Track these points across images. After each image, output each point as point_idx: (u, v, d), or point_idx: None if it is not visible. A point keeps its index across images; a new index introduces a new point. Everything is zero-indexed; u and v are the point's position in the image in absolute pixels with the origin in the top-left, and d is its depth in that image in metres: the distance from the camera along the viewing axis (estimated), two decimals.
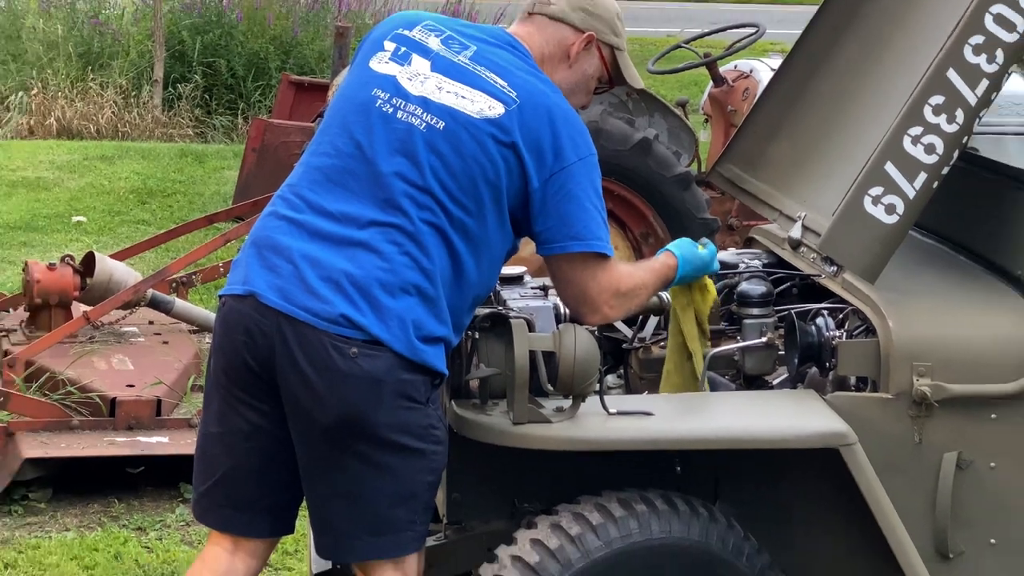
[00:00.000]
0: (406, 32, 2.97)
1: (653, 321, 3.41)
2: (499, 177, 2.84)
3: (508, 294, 3.19)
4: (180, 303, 5.64)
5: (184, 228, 6.69)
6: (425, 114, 2.84)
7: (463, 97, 2.85)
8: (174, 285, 5.93)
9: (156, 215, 8.55)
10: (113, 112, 10.90)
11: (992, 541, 3.13)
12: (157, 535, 4.51)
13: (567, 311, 3.23)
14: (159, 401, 4.92)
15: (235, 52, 11.40)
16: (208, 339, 5.74)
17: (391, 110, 2.86)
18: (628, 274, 3.01)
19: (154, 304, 5.51)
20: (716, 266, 3.22)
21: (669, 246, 3.17)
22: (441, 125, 2.83)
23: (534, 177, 2.84)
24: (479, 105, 2.84)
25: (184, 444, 4.61)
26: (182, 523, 4.56)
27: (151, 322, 5.71)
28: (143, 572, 4.24)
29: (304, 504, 2.96)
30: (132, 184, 9.22)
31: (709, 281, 3.21)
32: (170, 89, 11.22)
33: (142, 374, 5.15)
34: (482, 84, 2.87)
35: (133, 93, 11.12)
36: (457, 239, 2.83)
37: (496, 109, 2.84)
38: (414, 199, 2.80)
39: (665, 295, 3.26)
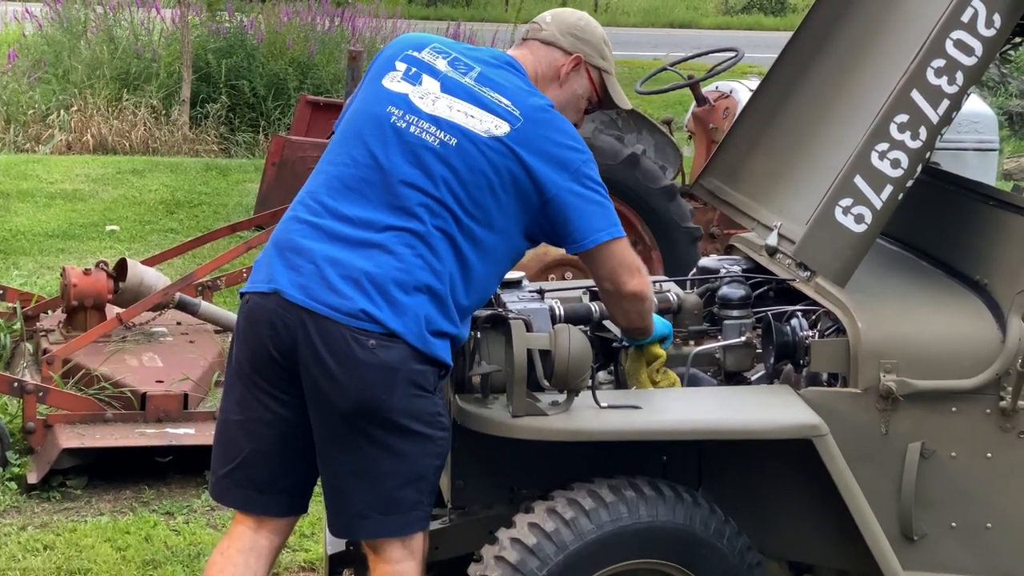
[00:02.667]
0: (416, 54, 2.99)
1: None
2: (506, 190, 2.86)
3: (507, 297, 3.18)
4: (205, 305, 5.63)
5: (209, 236, 6.67)
6: (438, 131, 2.86)
7: (471, 116, 2.87)
8: (200, 289, 5.92)
9: (183, 224, 8.54)
10: (145, 129, 10.90)
11: (952, 524, 3.12)
12: (184, 519, 4.50)
13: (562, 312, 3.23)
14: (186, 395, 4.92)
15: (257, 73, 11.39)
16: (231, 338, 5.75)
17: (405, 125, 2.88)
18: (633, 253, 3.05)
19: (181, 306, 5.51)
20: (670, 334, 3.22)
21: None
22: (453, 142, 2.85)
23: (548, 187, 2.87)
24: (486, 124, 2.86)
25: (209, 435, 4.53)
26: (207, 508, 4.55)
27: (179, 323, 5.70)
28: (171, 553, 4.23)
29: (320, 489, 2.96)
30: (161, 196, 9.21)
31: (660, 351, 3.20)
32: (197, 108, 11.22)
33: (170, 371, 5.14)
34: (488, 104, 2.89)
35: (163, 112, 11.12)
36: (466, 244, 2.85)
37: (502, 128, 2.86)
38: (428, 207, 2.82)
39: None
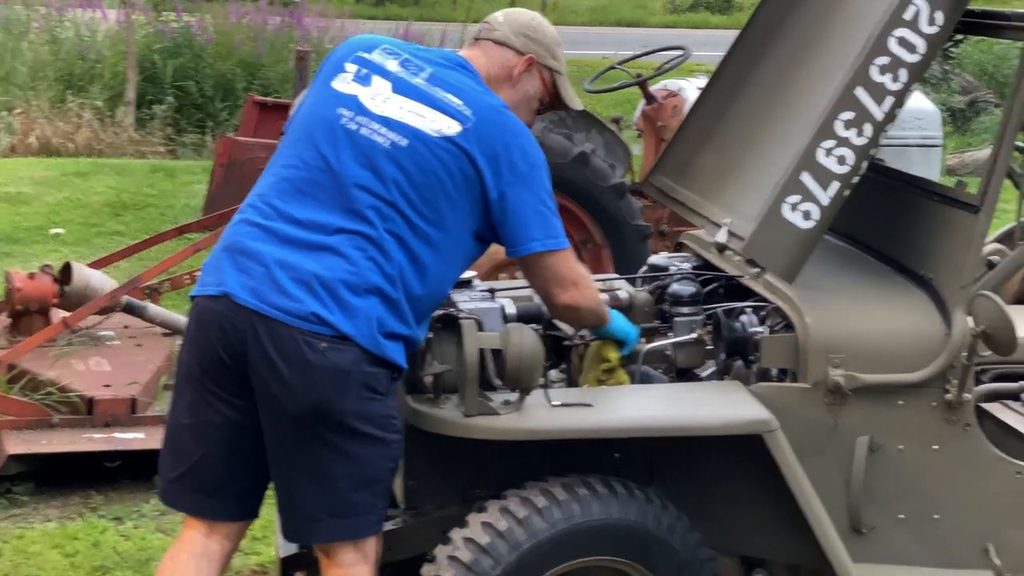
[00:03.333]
0: (366, 55, 2.98)
1: None
2: (458, 190, 2.86)
3: (458, 297, 3.18)
4: (153, 308, 5.59)
5: (156, 239, 6.62)
6: (389, 132, 2.85)
7: (423, 117, 2.87)
8: (147, 291, 5.87)
9: (130, 227, 8.46)
10: (90, 131, 10.78)
11: (900, 516, 3.16)
12: (133, 524, 4.46)
13: (513, 311, 3.24)
14: (134, 400, 4.87)
15: (204, 74, 11.31)
16: (180, 342, 5.70)
17: (355, 127, 2.87)
18: (578, 264, 3.04)
19: (128, 309, 5.46)
20: (632, 342, 3.22)
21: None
22: (404, 143, 2.84)
23: (492, 188, 2.86)
24: (438, 125, 2.86)
25: (158, 439, 4.50)
26: (156, 513, 4.51)
27: (126, 326, 5.65)
28: (120, 558, 4.20)
29: (272, 492, 2.94)
30: (107, 198, 9.12)
31: (612, 355, 3.21)
32: (144, 109, 11.12)
33: (118, 375, 5.09)
34: (439, 104, 2.88)
35: (108, 113, 11.01)
36: (418, 246, 2.84)
37: (453, 128, 2.85)
38: (379, 210, 2.81)
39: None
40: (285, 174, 2.89)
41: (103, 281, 5.51)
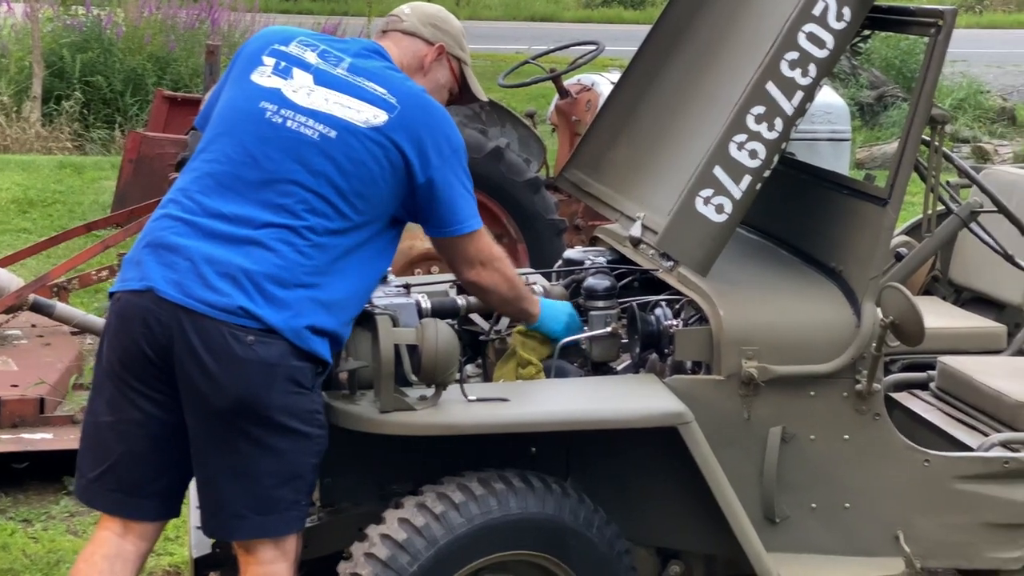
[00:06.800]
0: (283, 48, 2.98)
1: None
2: (386, 180, 2.86)
3: (374, 293, 3.16)
4: (61, 306, 5.48)
5: (64, 236, 6.50)
6: (317, 124, 2.85)
7: (349, 108, 2.87)
8: (55, 290, 5.76)
9: (37, 224, 8.30)
10: None
11: (813, 506, 3.20)
12: (43, 526, 4.38)
13: (428, 306, 3.23)
14: (42, 400, 4.79)
15: (113, 69, 11.13)
16: (89, 340, 5.61)
17: (280, 120, 2.86)
18: (495, 246, 3.09)
19: (36, 308, 5.35)
20: (562, 334, 3.24)
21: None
22: (333, 135, 2.84)
23: (419, 173, 2.88)
24: (365, 115, 2.86)
25: (67, 440, 4.49)
26: (66, 514, 4.44)
27: (33, 325, 5.55)
28: (30, 561, 4.12)
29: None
30: (13, 195, 8.94)
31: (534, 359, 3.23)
32: (51, 104, 10.92)
33: (25, 374, 5.00)
34: (363, 94, 2.89)
35: (14, 109, 10.79)
36: (348, 239, 2.83)
37: (380, 117, 2.86)
38: (307, 203, 2.80)
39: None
40: (207, 169, 2.87)
41: (9, 279, 5.41)
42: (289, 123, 2.85)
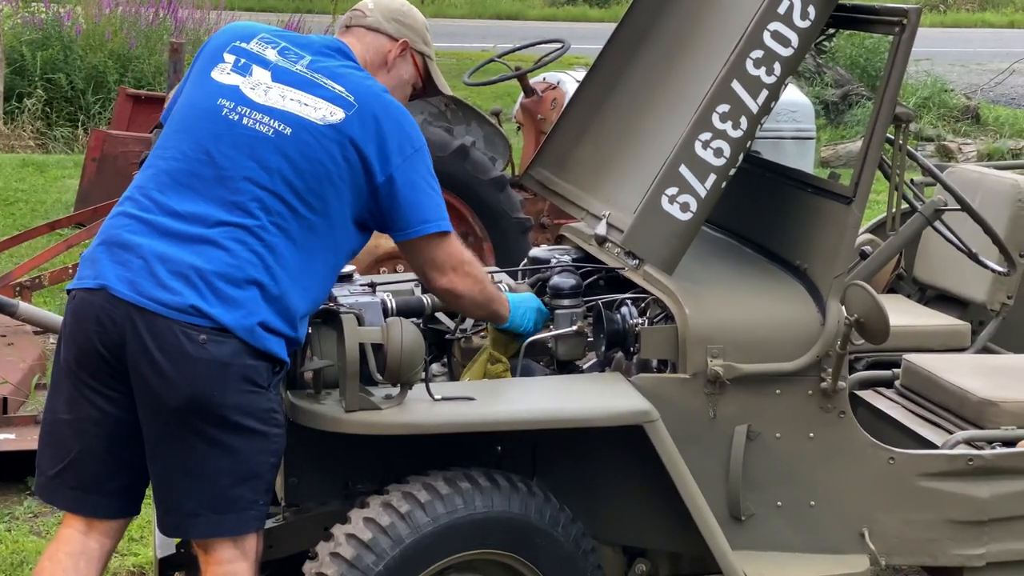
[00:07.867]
0: (244, 44, 2.96)
1: None
2: (343, 178, 2.85)
3: (338, 291, 3.15)
4: (24, 306, 5.41)
5: (27, 235, 6.45)
6: (273, 121, 2.83)
7: (306, 105, 2.85)
8: (18, 289, 5.72)
9: None
10: None
11: (779, 503, 3.21)
12: (6, 527, 4.35)
13: (394, 305, 3.22)
14: (5, 399, 4.76)
15: (75, 66, 11.05)
16: (52, 340, 5.56)
17: (237, 117, 2.84)
18: (465, 250, 3.06)
19: None
20: (533, 331, 3.24)
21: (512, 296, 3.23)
22: (288, 131, 2.82)
23: (378, 173, 2.86)
24: (321, 112, 2.84)
25: (30, 440, 4.45)
26: (30, 515, 4.41)
27: None
28: None
29: (150, 491, 2.89)
30: None
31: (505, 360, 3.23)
32: (12, 102, 10.82)
33: None
34: (321, 91, 2.87)
35: None
36: (302, 238, 2.82)
37: (337, 115, 2.85)
38: (261, 201, 2.79)
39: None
40: (164, 166, 2.86)
41: None
42: (245, 120, 2.84)
